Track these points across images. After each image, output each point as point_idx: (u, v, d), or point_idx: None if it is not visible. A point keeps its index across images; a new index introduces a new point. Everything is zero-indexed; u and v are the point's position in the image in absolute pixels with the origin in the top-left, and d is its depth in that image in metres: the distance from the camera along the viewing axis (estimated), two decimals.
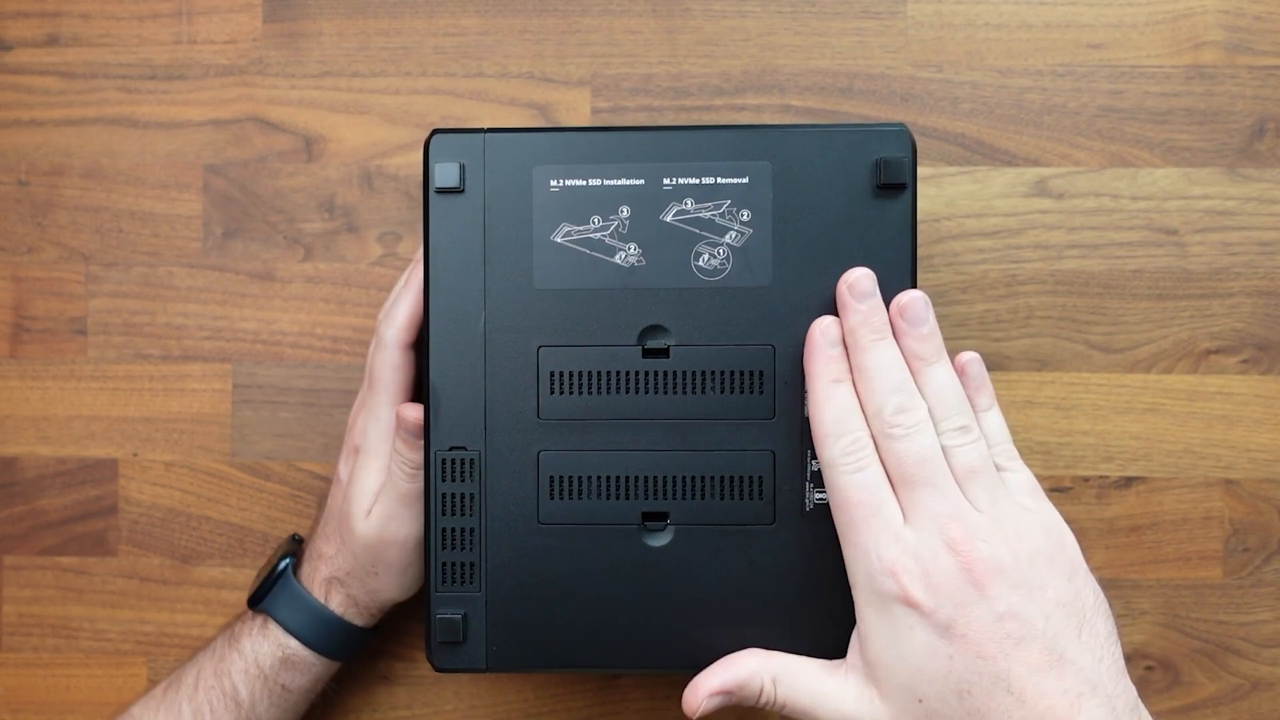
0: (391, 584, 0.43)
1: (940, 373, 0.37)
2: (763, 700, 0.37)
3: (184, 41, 0.48)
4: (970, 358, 0.38)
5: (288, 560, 0.44)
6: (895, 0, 0.47)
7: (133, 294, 0.48)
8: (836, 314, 0.38)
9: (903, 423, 0.35)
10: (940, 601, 0.34)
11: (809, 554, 0.38)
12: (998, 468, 0.37)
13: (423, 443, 0.39)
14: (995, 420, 0.38)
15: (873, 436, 0.36)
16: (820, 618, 0.38)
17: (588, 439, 0.39)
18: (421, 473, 0.40)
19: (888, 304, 0.38)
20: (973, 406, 0.37)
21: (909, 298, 0.37)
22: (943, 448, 0.36)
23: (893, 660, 0.35)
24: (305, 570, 0.44)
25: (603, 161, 0.39)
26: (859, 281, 0.37)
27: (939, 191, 0.47)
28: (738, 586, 0.38)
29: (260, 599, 0.43)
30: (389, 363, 0.42)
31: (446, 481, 0.39)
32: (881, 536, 0.35)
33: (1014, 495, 0.36)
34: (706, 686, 0.37)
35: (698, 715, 0.36)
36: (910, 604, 0.34)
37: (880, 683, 0.35)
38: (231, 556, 0.48)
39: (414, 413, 0.40)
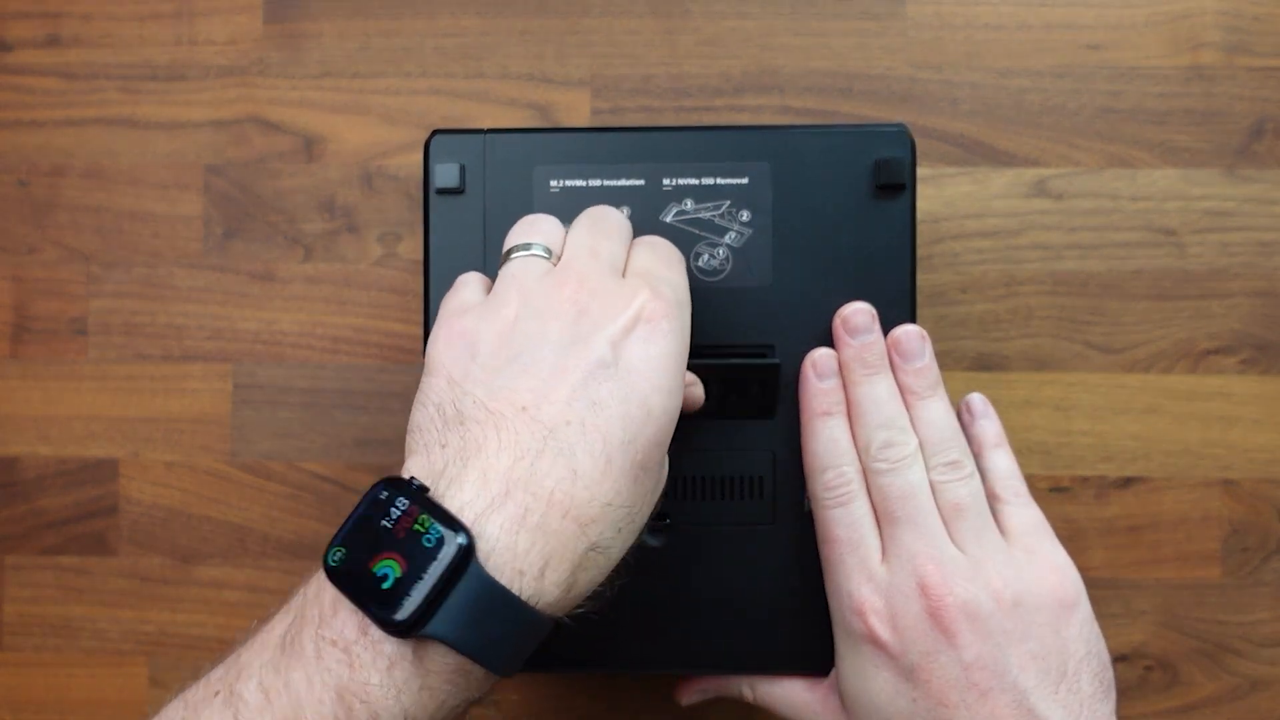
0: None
1: (934, 407, 0.37)
2: (745, 699, 0.39)
3: (184, 42, 0.48)
4: (976, 398, 0.38)
5: (463, 541, 0.27)
6: (895, 0, 0.47)
7: (133, 294, 0.48)
8: (838, 317, 0.38)
9: (888, 457, 0.35)
10: (906, 645, 0.33)
11: (809, 554, 0.38)
12: (1004, 503, 0.36)
13: None
14: (1003, 457, 0.37)
15: (864, 471, 0.36)
16: (819, 619, 0.38)
17: None
18: None
19: (887, 303, 0.38)
20: (980, 444, 0.37)
21: (903, 332, 0.37)
22: (932, 484, 0.35)
23: (861, 695, 0.35)
24: (520, 545, 0.28)
25: (603, 162, 0.39)
26: (852, 317, 0.37)
27: (938, 191, 0.47)
28: (738, 587, 0.39)
29: (422, 619, 0.27)
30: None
31: None
32: (855, 574, 0.35)
33: (1014, 535, 0.35)
34: (689, 686, 0.40)
35: (685, 704, 0.41)
36: (876, 644, 0.34)
37: (852, 713, 0.36)
38: (231, 556, 0.48)
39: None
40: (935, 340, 0.45)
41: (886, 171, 0.38)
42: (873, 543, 0.35)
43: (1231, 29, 0.46)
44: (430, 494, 0.28)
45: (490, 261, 0.39)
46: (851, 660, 0.35)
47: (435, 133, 0.40)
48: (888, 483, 0.35)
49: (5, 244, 0.49)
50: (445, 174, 0.39)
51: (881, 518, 0.35)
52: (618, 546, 0.30)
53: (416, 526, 0.27)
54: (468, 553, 0.27)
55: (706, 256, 0.39)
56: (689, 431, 0.39)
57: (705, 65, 0.47)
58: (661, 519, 0.39)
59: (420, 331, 0.41)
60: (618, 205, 0.39)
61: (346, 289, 0.48)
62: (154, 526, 0.48)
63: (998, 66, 0.47)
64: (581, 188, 0.39)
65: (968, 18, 0.47)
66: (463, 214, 0.39)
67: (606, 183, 0.39)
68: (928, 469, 0.36)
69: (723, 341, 0.39)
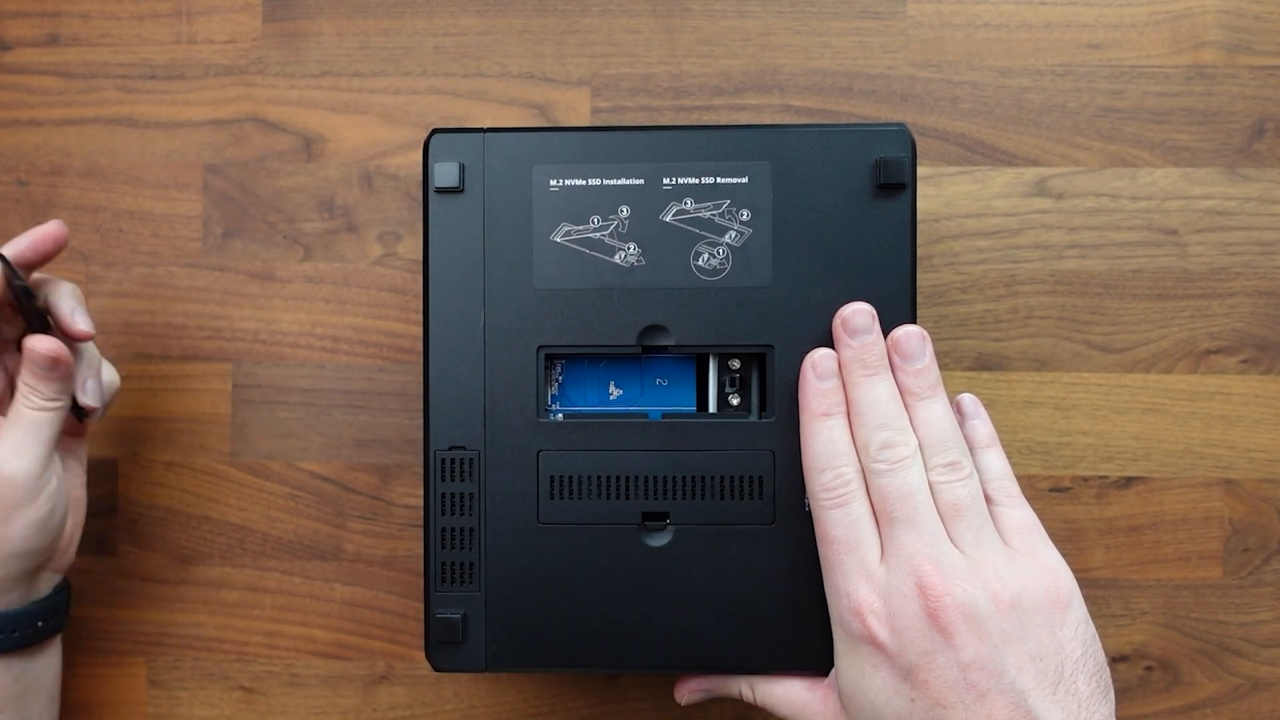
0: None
1: (934, 408, 0.36)
2: (744, 699, 0.39)
3: (184, 41, 0.48)
4: (966, 397, 0.38)
5: None
6: (895, 0, 0.47)
7: (133, 294, 0.48)
8: (838, 317, 0.38)
9: (887, 458, 0.35)
10: (904, 646, 0.33)
11: (808, 554, 0.38)
12: (996, 504, 0.36)
13: (56, 375, 0.40)
14: (995, 457, 0.37)
15: (863, 471, 0.36)
16: (818, 618, 0.38)
17: (588, 439, 0.39)
18: (56, 404, 0.40)
19: (887, 303, 0.38)
20: (971, 444, 0.37)
21: (903, 333, 0.37)
22: (931, 484, 0.35)
23: (859, 695, 0.35)
24: None
25: (602, 161, 0.39)
26: (852, 318, 0.37)
27: (939, 191, 0.47)
28: (737, 586, 0.38)
29: None
30: None
31: (446, 481, 0.39)
32: (854, 574, 0.35)
33: (1008, 536, 0.35)
34: (687, 685, 0.40)
35: (684, 704, 0.41)
36: (874, 645, 0.34)
37: (850, 713, 0.36)
38: (231, 556, 0.48)
39: (45, 345, 0.40)
40: (935, 340, 0.45)
41: (887, 171, 0.38)
42: (871, 543, 0.35)
43: (1232, 28, 0.46)
44: None
45: (490, 261, 0.39)
46: (850, 660, 0.35)
47: (435, 132, 0.40)
48: (886, 483, 0.35)
49: (5, 244, 0.49)
50: (445, 173, 0.39)
51: (880, 518, 0.35)
52: None
53: None
54: None
55: (706, 256, 0.39)
56: (690, 431, 0.39)
57: (705, 64, 0.47)
58: (661, 518, 0.39)
59: (420, 331, 0.41)
60: (617, 204, 0.39)
61: (346, 289, 0.48)
62: (153, 526, 0.48)
63: (998, 66, 0.47)
64: (581, 187, 0.39)
65: (968, 17, 0.47)
66: (462, 213, 0.39)
67: (606, 182, 0.39)
68: (927, 469, 0.36)
69: (723, 341, 0.39)
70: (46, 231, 0.41)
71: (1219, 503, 0.46)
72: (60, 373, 0.40)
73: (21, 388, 0.40)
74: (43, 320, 0.41)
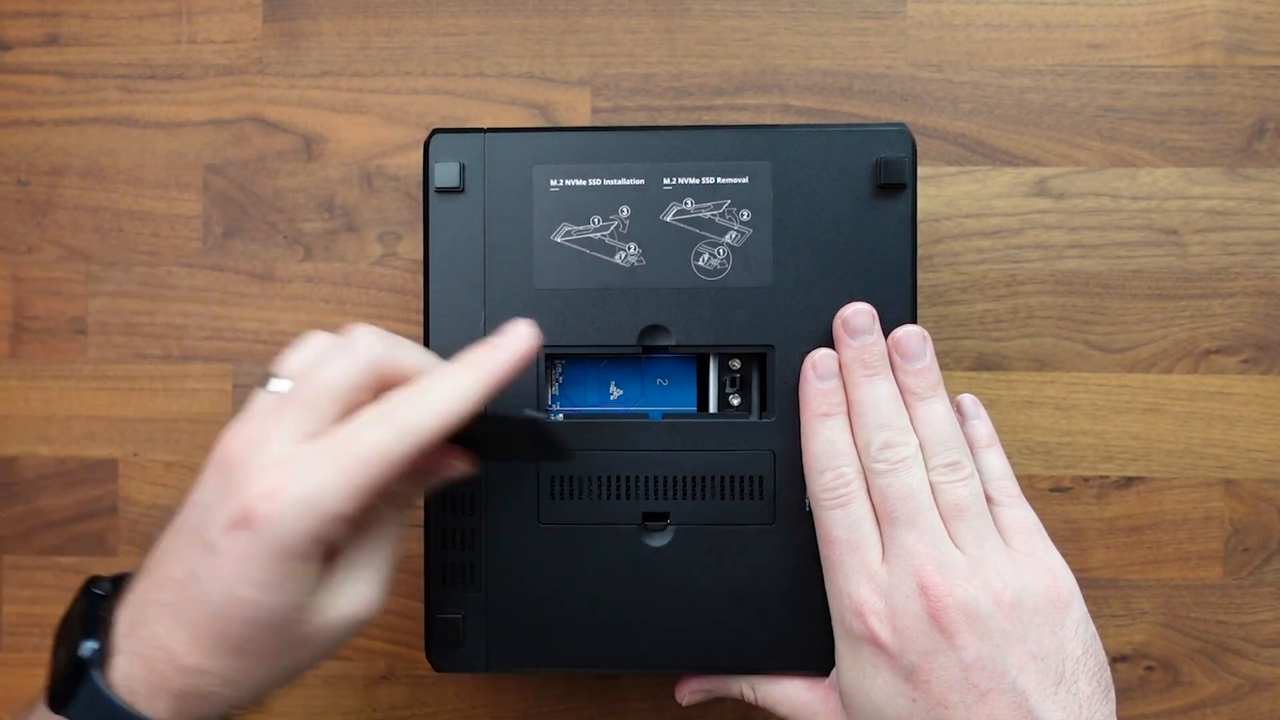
0: (291, 673, 0.33)
1: (934, 408, 0.36)
2: (745, 699, 0.39)
3: (184, 41, 0.48)
4: (966, 398, 0.38)
5: (92, 649, 0.31)
6: (895, 0, 0.47)
7: (133, 294, 0.48)
8: (838, 318, 0.38)
9: (888, 458, 0.35)
10: (905, 646, 0.33)
11: (809, 554, 0.38)
12: (996, 504, 0.36)
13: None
14: (995, 457, 0.37)
15: (864, 471, 0.36)
16: (819, 619, 0.38)
17: (588, 439, 0.39)
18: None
19: (888, 303, 0.38)
20: (971, 444, 0.37)
21: (904, 333, 0.37)
22: (932, 484, 0.35)
23: (859, 695, 0.35)
24: (132, 669, 0.31)
25: (603, 161, 0.39)
26: (853, 318, 0.37)
27: (939, 191, 0.47)
28: (738, 586, 0.39)
29: (62, 701, 0.31)
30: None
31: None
32: (855, 575, 0.35)
33: (1008, 536, 0.35)
34: (688, 685, 0.40)
35: (685, 704, 0.41)
36: (876, 645, 0.34)
37: (851, 713, 0.36)
38: None
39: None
40: (936, 340, 0.45)
41: (887, 171, 0.38)
42: (872, 543, 0.35)
43: (1233, 28, 0.46)
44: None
45: (490, 261, 0.39)
46: (851, 660, 0.35)
47: (435, 132, 0.40)
48: (887, 483, 0.35)
49: (4, 244, 0.49)
50: (445, 173, 0.39)
51: (881, 518, 0.35)
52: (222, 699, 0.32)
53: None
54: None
55: (707, 256, 0.39)
56: (690, 431, 0.39)
57: (705, 64, 0.47)
58: (662, 518, 0.39)
59: (420, 331, 0.41)
60: (617, 204, 0.39)
61: (346, 289, 0.48)
62: (153, 527, 0.48)
63: (998, 66, 0.47)
64: (581, 187, 0.39)
65: (968, 17, 0.47)
66: (463, 213, 0.39)
67: (606, 182, 0.39)
68: (928, 469, 0.36)
69: (723, 341, 0.39)
70: (526, 346, 0.34)
71: (1219, 503, 0.46)
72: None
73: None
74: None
